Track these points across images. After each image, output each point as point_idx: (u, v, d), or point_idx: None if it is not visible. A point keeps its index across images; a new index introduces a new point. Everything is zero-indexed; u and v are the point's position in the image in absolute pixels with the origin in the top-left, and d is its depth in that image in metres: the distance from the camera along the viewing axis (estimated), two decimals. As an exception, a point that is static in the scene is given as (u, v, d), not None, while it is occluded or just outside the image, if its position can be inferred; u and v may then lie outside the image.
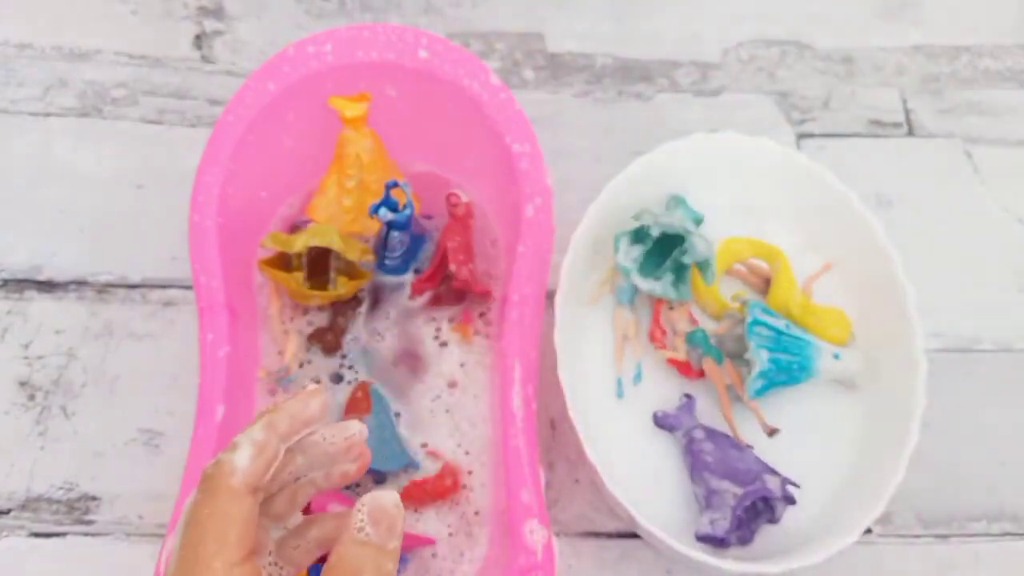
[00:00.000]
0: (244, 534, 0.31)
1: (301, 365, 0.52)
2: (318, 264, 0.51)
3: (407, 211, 0.51)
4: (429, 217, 0.55)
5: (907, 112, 0.65)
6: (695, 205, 0.55)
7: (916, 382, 0.49)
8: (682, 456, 0.50)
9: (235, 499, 0.31)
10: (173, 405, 0.53)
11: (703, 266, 0.52)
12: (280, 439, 0.32)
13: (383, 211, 0.50)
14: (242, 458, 0.31)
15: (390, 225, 0.51)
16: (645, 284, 0.52)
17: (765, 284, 0.55)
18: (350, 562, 0.30)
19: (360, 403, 0.50)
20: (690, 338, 0.52)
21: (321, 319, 0.53)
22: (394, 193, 0.51)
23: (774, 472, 0.49)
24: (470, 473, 0.50)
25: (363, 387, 0.51)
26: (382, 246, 0.53)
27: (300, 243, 0.50)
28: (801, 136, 0.64)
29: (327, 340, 0.52)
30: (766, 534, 0.49)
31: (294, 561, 0.34)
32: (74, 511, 0.50)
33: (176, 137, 0.60)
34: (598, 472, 0.46)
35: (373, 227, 0.53)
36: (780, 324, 0.51)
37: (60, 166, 0.59)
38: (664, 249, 0.52)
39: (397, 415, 0.51)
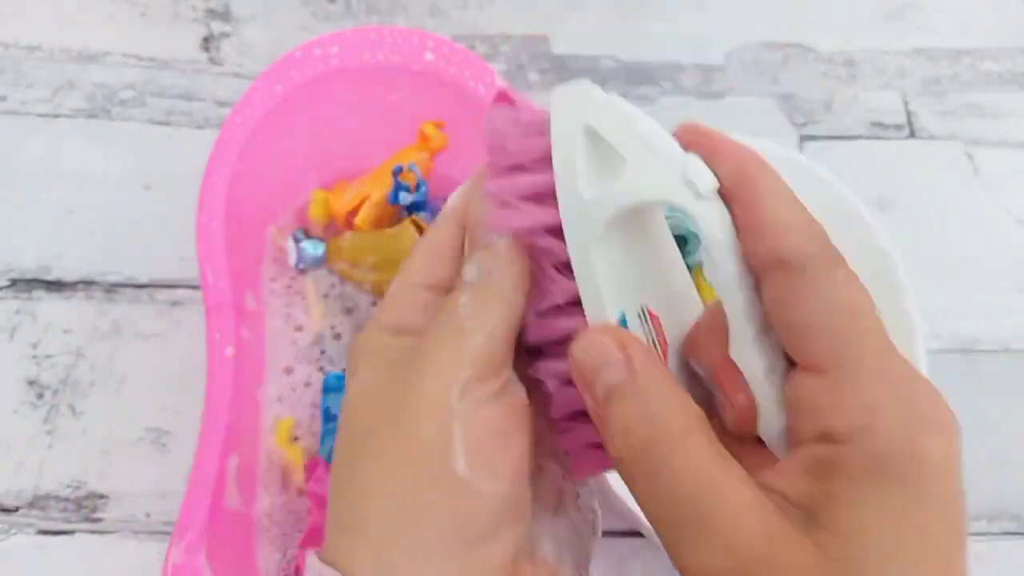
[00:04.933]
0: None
1: (339, 336, 0.53)
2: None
3: (423, 189, 0.52)
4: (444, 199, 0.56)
5: (909, 114, 0.65)
6: (698, 206, 0.55)
7: (917, 382, 0.49)
8: (685, 455, 0.50)
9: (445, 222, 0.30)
10: (180, 404, 0.53)
11: (706, 267, 0.52)
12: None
13: (402, 195, 0.51)
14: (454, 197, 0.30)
15: (411, 208, 0.52)
16: (648, 285, 0.52)
17: (767, 285, 0.55)
18: None
19: None
20: (693, 338, 0.52)
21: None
22: (402, 178, 0.51)
23: (776, 471, 0.49)
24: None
25: None
26: None
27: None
28: (803, 138, 0.64)
29: None
30: (768, 533, 0.49)
31: None
32: (82, 509, 0.51)
33: (184, 138, 0.61)
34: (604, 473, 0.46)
35: None
36: (782, 325, 0.51)
37: (68, 167, 0.59)
38: (667, 250, 0.52)
39: None
